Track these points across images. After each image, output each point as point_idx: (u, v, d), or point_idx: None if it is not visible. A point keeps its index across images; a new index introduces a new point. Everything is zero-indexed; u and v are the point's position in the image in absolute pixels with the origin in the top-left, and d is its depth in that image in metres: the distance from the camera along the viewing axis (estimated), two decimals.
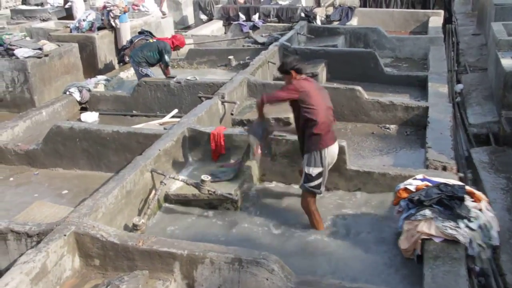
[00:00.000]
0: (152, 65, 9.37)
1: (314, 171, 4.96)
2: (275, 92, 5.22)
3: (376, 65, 10.06)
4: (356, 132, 7.70)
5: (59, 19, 14.53)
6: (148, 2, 14.95)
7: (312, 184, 5.00)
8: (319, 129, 4.87)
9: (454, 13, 17.57)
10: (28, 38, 10.60)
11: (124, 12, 11.74)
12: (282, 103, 5.12)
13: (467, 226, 4.24)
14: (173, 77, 8.96)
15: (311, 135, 4.90)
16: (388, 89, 9.47)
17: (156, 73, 9.50)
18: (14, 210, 5.57)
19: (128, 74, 10.46)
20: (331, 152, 5.01)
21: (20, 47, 9.23)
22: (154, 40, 9.73)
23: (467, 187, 4.67)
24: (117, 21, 11.54)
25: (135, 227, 4.81)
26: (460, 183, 4.84)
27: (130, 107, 8.82)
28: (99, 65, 11.45)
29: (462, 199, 4.39)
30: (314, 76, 9.37)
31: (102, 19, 11.85)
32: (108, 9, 11.49)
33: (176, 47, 9.56)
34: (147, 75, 9.15)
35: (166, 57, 9.20)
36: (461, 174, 5.77)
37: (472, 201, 4.49)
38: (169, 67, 9.45)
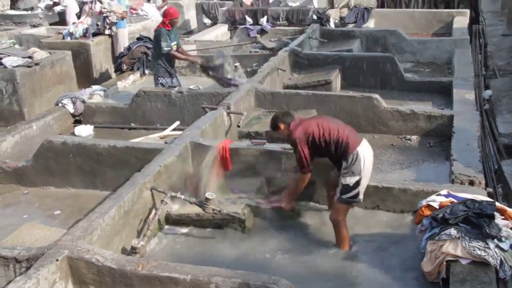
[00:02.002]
0: (168, 63, 9.19)
1: (351, 180, 5.07)
2: (297, 161, 5.31)
3: (395, 71, 10.07)
4: (374, 144, 7.67)
5: (51, 24, 14.67)
6: (147, 6, 15.07)
7: (350, 194, 5.10)
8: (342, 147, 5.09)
9: (481, 12, 17.56)
10: (17, 46, 10.76)
11: (122, 18, 11.82)
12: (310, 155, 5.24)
13: (498, 246, 4.22)
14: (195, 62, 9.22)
15: (339, 156, 5.13)
16: (408, 97, 9.48)
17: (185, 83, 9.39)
18: (1, 233, 5.55)
19: (126, 83, 10.54)
20: (364, 155, 5.09)
21: (9, 56, 9.30)
22: None
23: (497, 204, 4.65)
24: (113, 28, 11.63)
25: (133, 250, 4.83)
26: (489, 199, 4.83)
27: (128, 119, 8.86)
28: (94, 74, 11.53)
29: (491, 217, 4.37)
30: (328, 83, 9.44)
31: (97, 25, 11.96)
32: (104, 15, 11.57)
33: (171, 22, 9.14)
34: (161, 86, 9.08)
35: (162, 43, 8.94)
36: (490, 189, 5.73)
37: (503, 219, 4.47)
38: (175, 50, 9.17)
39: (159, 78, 9.19)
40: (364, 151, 5.11)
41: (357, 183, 5.08)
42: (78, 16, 14.44)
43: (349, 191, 5.09)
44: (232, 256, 5.18)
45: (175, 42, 9.25)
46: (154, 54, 9.33)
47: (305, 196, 5.88)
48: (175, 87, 8.99)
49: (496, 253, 4.19)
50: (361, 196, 5.19)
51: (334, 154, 5.18)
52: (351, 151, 5.05)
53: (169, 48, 9.04)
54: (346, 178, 5.09)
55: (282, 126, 5.29)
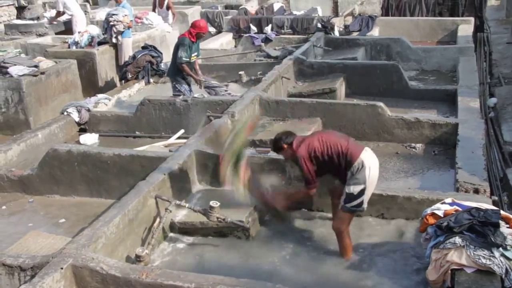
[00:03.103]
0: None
1: (355, 189, 5.05)
2: (303, 178, 5.29)
3: (400, 79, 10.07)
4: (379, 152, 7.63)
5: (56, 33, 14.73)
6: (151, 15, 15.12)
7: (355, 203, 5.08)
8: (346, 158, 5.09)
9: (486, 20, 17.56)
10: (23, 55, 10.78)
11: (129, 28, 11.88)
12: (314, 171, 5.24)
13: (503, 255, 4.20)
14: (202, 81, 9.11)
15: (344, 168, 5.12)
16: (413, 105, 9.46)
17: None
18: (6, 241, 5.60)
19: (131, 92, 10.58)
20: (369, 164, 5.08)
21: (15, 65, 9.34)
22: None
23: (502, 212, 4.63)
24: (119, 37, 11.68)
25: (138, 259, 4.83)
26: (494, 207, 4.81)
27: (132, 127, 8.89)
28: (99, 83, 11.55)
29: (496, 225, 4.36)
30: (332, 92, 9.45)
31: (103, 33, 12.01)
32: (111, 23, 11.61)
33: (198, 35, 9.22)
34: (179, 93, 9.11)
35: (180, 52, 8.99)
36: (495, 198, 5.73)
37: (508, 227, 4.46)
38: (187, 65, 9.18)
39: (177, 86, 9.28)
40: (369, 160, 5.10)
41: (362, 192, 5.07)
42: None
43: (353, 199, 5.07)
44: (237, 264, 5.17)
45: (195, 53, 9.35)
46: (172, 61, 9.38)
47: (311, 205, 5.89)
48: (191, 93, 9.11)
49: (501, 262, 4.17)
50: (365, 205, 5.17)
51: (339, 167, 5.15)
52: (354, 160, 5.04)
53: (187, 60, 9.12)
54: (350, 187, 5.07)
55: (285, 147, 5.29)
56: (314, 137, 5.31)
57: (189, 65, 9.25)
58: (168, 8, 15.39)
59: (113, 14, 11.68)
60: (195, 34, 9.17)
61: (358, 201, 5.08)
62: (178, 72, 9.26)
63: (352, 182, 5.07)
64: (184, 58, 9.07)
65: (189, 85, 9.44)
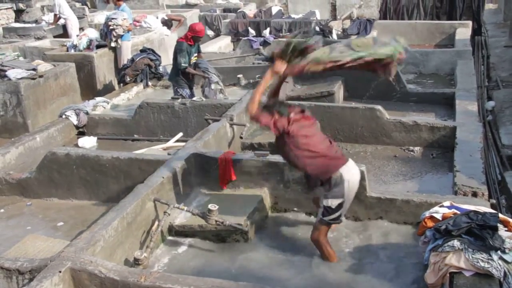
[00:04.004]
0: (186, 77, 9.38)
1: (333, 203, 4.95)
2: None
3: (398, 82, 10.08)
4: (377, 155, 7.71)
5: (55, 37, 14.76)
6: (150, 18, 15.16)
7: (333, 216, 4.99)
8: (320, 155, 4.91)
9: (483, 23, 17.62)
10: (21, 58, 10.78)
11: (128, 31, 11.89)
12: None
13: (501, 258, 4.20)
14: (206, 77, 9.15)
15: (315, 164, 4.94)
16: (411, 108, 9.48)
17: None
18: (4, 245, 5.59)
19: (129, 95, 10.58)
20: (348, 178, 4.94)
21: (13, 68, 9.37)
22: None
23: (501, 215, 4.63)
24: (119, 40, 11.67)
25: (136, 262, 4.83)
26: (493, 210, 4.81)
27: (131, 131, 8.91)
28: (98, 86, 11.57)
29: (495, 229, 4.35)
30: (330, 95, 9.45)
31: (102, 38, 12.01)
32: (111, 27, 11.62)
33: (194, 38, 9.28)
34: (181, 97, 9.14)
35: (179, 58, 9.09)
36: (494, 201, 5.72)
37: (506, 231, 4.46)
38: (189, 69, 9.30)
39: (178, 90, 9.34)
40: (349, 174, 4.93)
41: (340, 206, 4.96)
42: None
43: (331, 213, 4.97)
44: (235, 267, 5.17)
45: (195, 55, 9.43)
46: (172, 67, 9.44)
47: (309, 209, 5.89)
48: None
49: (500, 265, 4.16)
50: (342, 218, 5.09)
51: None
52: (333, 172, 4.88)
53: (186, 66, 9.19)
54: (328, 200, 4.95)
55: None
56: (301, 130, 4.96)
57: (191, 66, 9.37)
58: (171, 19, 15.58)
59: (112, 18, 11.69)
60: (191, 37, 9.24)
61: (336, 214, 4.98)
62: (179, 76, 9.33)
63: (330, 196, 4.94)
64: (183, 64, 9.16)
65: (191, 88, 9.53)
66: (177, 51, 9.19)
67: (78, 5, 19.07)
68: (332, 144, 5.08)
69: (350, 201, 5.05)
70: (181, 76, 9.31)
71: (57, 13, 14.78)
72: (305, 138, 4.93)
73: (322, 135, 5.15)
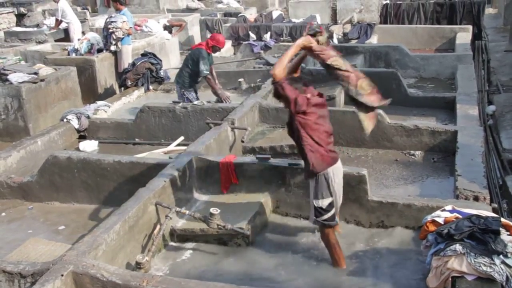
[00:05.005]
0: (196, 82, 9.49)
1: (324, 203, 4.96)
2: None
3: (399, 86, 10.09)
4: (378, 159, 7.70)
5: (56, 41, 14.78)
6: (151, 22, 15.17)
7: (326, 216, 4.99)
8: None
9: (483, 28, 17.63)
10: (23, 62, 10.79)
11: (128, 35, 11.89)
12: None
13: (503, 263, 4.20)
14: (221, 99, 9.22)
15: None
16: (412, 112, 9.48)
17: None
18: (6, 248, 5.60)
19: (130, 99, 10.59)
20: (332, 175, 4.95)
21: (14, 72, 9.37)
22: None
23: (502, 219, 4.63)
24: (119, 44, 11.68)
25: (138, 266, 4.82)
26: (494, 214, 4.81)
27: (132, 134, 8.90)
28: (99, 90, 11.57)
29: (497, 233, 4.35)
30: (332, 99, 9.45)
31: (103, 42, 12.02)
32: (111, 31, 11.62)
33: (213, 48, 9.43)
34: (186, 100, 9.20)
35: (202, 65, 9.17)
36: (495, 205, 5.73)
37: (508, 235, 4.46)
38: (213, 79, 9.47)
39: (185, 93, 9.44)
40: (334, 172, 4.95)
41: (331, 205, 4.98)
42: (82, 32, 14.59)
43: (323, 214, 4.97)
44: (237, 271, 5.16)
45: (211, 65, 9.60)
46: (186, 70, 9.48)
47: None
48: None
49: (502, 269, 4.16)
50: (337, 218, 5.09)
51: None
52: (322, 169, 4.89)
53: (208, 73, 9.34)
54: (318, 201, 4.96)
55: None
56: (314, 115, 4.99)
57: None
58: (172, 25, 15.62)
59: (112, 21, 11.69)
60: (211, 46, 9.39)
61: (329, 214, 4.98)
62: (189, 80, 9.42)
63: (318, 195, 4.95)
64: (205, 71, 9.29)
65: (196, 92, 9.65)
66: (200, 57, 9.27)
67: (79, 9, 19.11)
68: (331, 140, 5.11)
69: (340, 198, 5.06)
70: (191, 80, 9.39)
71: (59, 18, 14.80)
72: (315, 125, 4.93)
73: (329, 127, 5.13)
